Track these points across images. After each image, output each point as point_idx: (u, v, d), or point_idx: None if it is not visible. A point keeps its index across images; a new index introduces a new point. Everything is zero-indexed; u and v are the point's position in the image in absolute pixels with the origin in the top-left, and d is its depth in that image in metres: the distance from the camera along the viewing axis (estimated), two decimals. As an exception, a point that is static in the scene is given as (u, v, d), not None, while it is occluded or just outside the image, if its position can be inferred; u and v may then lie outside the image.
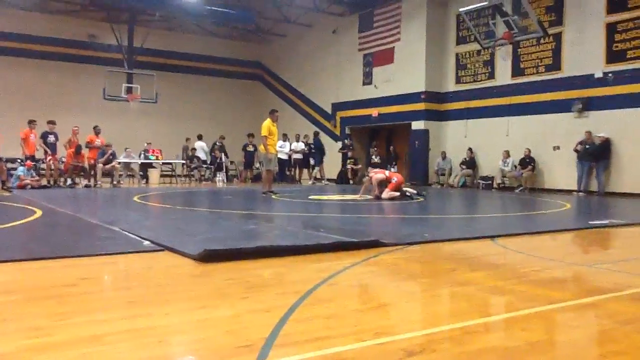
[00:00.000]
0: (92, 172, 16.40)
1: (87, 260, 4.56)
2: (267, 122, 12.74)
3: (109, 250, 4.92)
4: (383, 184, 11.79)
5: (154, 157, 19.64)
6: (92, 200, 12.38)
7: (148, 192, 14.20)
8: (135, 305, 3.22)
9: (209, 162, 20.60)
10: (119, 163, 17.51)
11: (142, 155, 19.54)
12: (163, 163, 20.09)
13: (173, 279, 4.05)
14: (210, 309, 3.13)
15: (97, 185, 16.24)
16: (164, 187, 17.43)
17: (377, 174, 12.08)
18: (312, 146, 20.69)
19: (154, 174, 19.38)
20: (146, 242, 5.31)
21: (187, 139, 21.44)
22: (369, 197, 11.88)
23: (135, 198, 11.72)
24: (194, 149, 20.74)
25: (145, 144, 19.98)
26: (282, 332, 2.64)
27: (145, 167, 19.45)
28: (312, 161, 20.62)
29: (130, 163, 18.96)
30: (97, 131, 16.94)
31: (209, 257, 4.40)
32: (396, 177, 11.99)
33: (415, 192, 12.29)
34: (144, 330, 2.70)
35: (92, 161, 16.37)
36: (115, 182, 16.66)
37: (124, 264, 4.56)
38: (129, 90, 22.16)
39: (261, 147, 13.18)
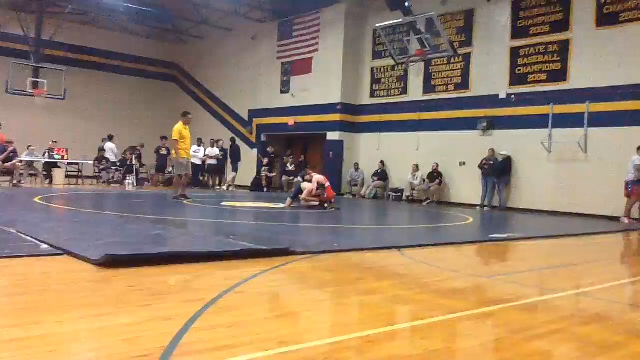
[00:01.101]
0: (-11, 170, 15.40)
1: (-25, 264, 4.25)
2: (179, 126, 12.27)
3: (2, 253, 4.61)
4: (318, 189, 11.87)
5: (59, 157, 18.72)
6: (-13, 199, 11.60)
7: (51, 193, 13.49)
8: (26, 313, 3.03)
9: (118, 164, 19.87)
10: (21, 161, 16.54)
11: (47, 154, 18.57)
12: (69, 163, 19.18)
13: (71, 285, 3.85)
14: (108, 317, 3.00)
15: (-5, 184, 15.26)
16: (69, 188, 16.62)
17: (314, 179, 12.02)
18: (228, 152, 20.39)
19: (58, 175, 18.44)
20: (44, 246, 5.03)
21: (104, 139, 20.59)
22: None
23: (36, 199, 11.09)
24: (103, 150, 19.94)
25: (51, 143, 19.01)
26: (182, 341, 2.57)
27: (49, 166, 18.49)
28: (230, 167, 20.34)
29: (33, 162, 17.96)
30: (-4, 127, 15.93)
31: (111, 262, 4.22)
32: (327, 194, 12.04)
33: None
34: (35, 339, 2.55)
35: (-10, 158, 15.37)
36: (15, 182, 15.70)
37: (19, 269, 4.29)
38: (35, 85, 21.01)
39: (173, 152, 12.82)
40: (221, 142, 20.73)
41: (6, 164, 15.59)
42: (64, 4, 21.58)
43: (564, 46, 14.68)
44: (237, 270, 4.57)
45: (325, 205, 11.82)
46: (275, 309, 3.63)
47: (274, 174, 20.88)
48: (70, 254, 4.68)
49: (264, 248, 5.43)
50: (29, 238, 5.44)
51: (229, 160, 20.32)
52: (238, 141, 21.53)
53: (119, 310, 3.17)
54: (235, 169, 20.20)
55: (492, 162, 15.49)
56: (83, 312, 3.12)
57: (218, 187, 20.01)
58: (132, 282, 3.91)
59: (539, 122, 14.88)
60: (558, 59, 14.79)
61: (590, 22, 14.23)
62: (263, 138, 22.55)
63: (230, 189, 19.91)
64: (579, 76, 14.37)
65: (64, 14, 21.97)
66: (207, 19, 22.88)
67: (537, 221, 12.62)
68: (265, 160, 20.67)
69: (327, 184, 12.08)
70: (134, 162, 19.55)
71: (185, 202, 11.97)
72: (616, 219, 12.97)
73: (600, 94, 13.89)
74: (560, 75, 14.73)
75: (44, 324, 2.80)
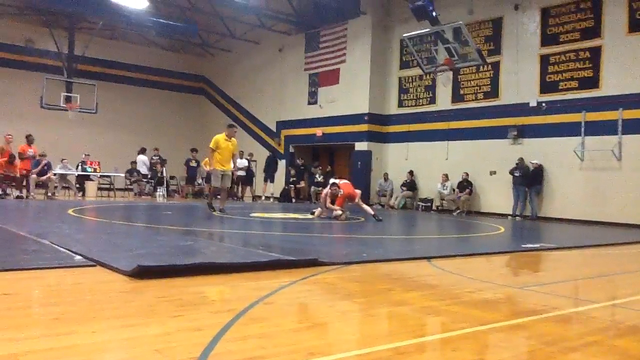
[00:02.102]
0: (24, 183, 15.74)
1: (10, 275, 4.33)
2: (219, 136, 11.94)
3: (36, 264, 4.70)
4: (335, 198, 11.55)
5: (91, 169, 19.08)
6: (22, 211, 11.87)
7: (84, 205, 13.74)
8: (59, 323, 3.08)
9: (149, 176, 20.16)
10: (55, 174, 16.91)
11: (80, 167, 18.94)
12: (101, 175, 19.53)
13: (102, 295, 3.90)
14: (139, 327, 3.03)
15: (30, 196, 15.59)
16: (101, 200, 16.91)
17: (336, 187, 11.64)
18: (268, 163, 20.76)
19: (91, 187, 18.81)
20: (77, 257, 5.11)
21: (139, 152, 20.94)
22: (323, 215, 11.75)
23: (69, 211, 11.31)
24: (134, 162, 20.27)
25: (83, 155, 19.39)
26: (213, 352, 2.58)
27: (82, 179, 18.87)
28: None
29: (66, 175, 18.33)
30: (29, 140, 16.32)
31: (142, 273, 4.27)
32: (343, 190, 11.61)
33: (372, 213, 11.91)
34: (67, 349, 2.58)
35: (25, 171, 15.72)
36: (49, 194, 16.05)
37: (52, 279, 4.36)
38: (68, 99, 21.51)
39: (205, 160, 12.79)
40: (250, 154, 20.93)
41: (41, 177, 15.94)
42: (94, 19, 22.09)
43: (595, 53, 14.46)
44: (266, 281, 4.58)
45: (342, 210, 11.42)
46: (305, 320, 3.62)
47: (302, 185, 20.92)
48: (102, 264, 4.75)
49: (293, 259, 5.43)
50: (62, 249, 5.54)
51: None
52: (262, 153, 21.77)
53: (150, 321, 3.20)
54: (271, 179, 20.52)
55: (520, 171, 15.27)
56: (114, 322, 3.16)
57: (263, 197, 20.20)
58: (163, 292, 3.94)
59: (570, 130, 14.66)
60: (589, 65, 14.56)
61: (622, 28, 14.00)
62: (291, 149, 22.65)
63: (263, 199, 20.12)
64: (611, 83, 14.13)
65: (95, 29, 22.49)
66: (234, 32, 23.18)
67: (569, 230, 12.38)
68: (293, 172, 20.76)
69: (342, 181, 11.94)
70: (164, 173, 19.81)
71: (215, 213, 12.00)
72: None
73: (633, 101, 13.63)
74: (592, 82, 14.50)
75: (75, 335, 2.83)
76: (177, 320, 3.22)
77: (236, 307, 3.48)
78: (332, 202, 11.61)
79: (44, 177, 16.06)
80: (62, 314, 3.30)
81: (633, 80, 13.71)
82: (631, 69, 13.78)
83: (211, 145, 11.90)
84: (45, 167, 16.20)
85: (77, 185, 18.64)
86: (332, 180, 12.19)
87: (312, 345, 2.83)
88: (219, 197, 12.79)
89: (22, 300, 3.81)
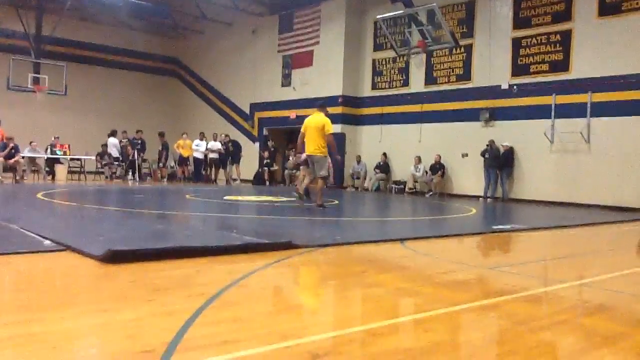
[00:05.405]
0: (-9, 166, 15.41)
1: (-22, 261, 4.25)
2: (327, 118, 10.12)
3: (5, 249, 4.60)
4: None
5: (61, 152, 18.73)
6: (-11, 196, 11.61)
7: (53, 189, 13.50)
8: (29, 309, 3.03)
9: (120, 159, 19.87)
10: (23, 157, 16.55)
11: (49, 150, 18.58)
12: (71, 159, 19.20)
13: (73, 280, 3.85)
14: (111, 313, 2.99)
15: (-3, 180, 15.28)
16: (72, 184, 16.64)
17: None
18: (231, 145, 20.41)
19: (61, 170, 18.47)
20: (47, 242, 5.02)
21: (109, 135, 20.55)
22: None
23: (38, 195, 11.09)
24: (105, 145, 19.93)
25: (53, 138, 19.02)
26: (185, 336, 2.56)
27: (51, 162, 18.52)
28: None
29: (35, 158, 17.98)
30: (-4, 123, 15.95)
31: (114, 257, 4.21)
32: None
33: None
34: (37, 335, 2.54)
35: (-9, 155, 15.38)
36: (18, 178, 15.73)
37: (21, 265, 4.28)
38: (36, 81, 21.01)
39: (322, 150, 9.95)
40: (222, 136, 20.75)
41: (8, 160, 15.60)
42: (63, -1, 21.56)
43: (566, 36, 14.61)
44: (240, 264, 4.57)
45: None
46: (278, 303, 3.62)
47: (276, 168, 20.87)
48: (72, 249, 4.67)
49: (266, 242, 5.42)
50: (31, 234, 5.43)
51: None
52: (240, 135, 21.56)
53: (122, 306, 3.16)
54: (237, 161, 20.28)
55: (491, 154, 15.44)
56: (86, 307, 3.12)
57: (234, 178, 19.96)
58: (135, 277, 3.90)
59: (541, 112, 14.85)
60: (560, 49, 14.72)
61: (592, 12, 14.15)
62: (264, 132, 22.52)
63: (237, 181, 19.99)
64: (581, 66, 14.32)
65: (64, 9, 21.93)
66: (206, 13, 22.83)
67: (539, 212, 12.60)
68: (266, 154, 20.66)
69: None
70: (135, 157, 19.54)
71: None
72: (617, 208, 12.95)
73: (603, 84, 13.84)
74: (562, 65, 14.67)
75: (46, 321, 2.79)
76: (149, 305, 3.19)
77: (209, 291, 3.46)
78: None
79: (12, 161, 15.72)
80: (33, 300, 3.25)
81: (602, 63, 13.91)
82: (600, 53, 13.97)
83: (332, 129, 10.07)
84: (13, 150, 15.85)
85: (47, 169, 18.30)
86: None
87: (286, 328, 2.83)
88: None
89: (-10, 287, 3.74)
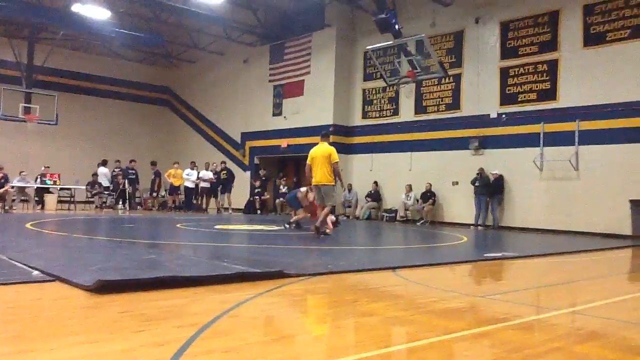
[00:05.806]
0: (-20, 196, 15.30)
1: (-34, 292, 4.19)
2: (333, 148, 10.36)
3: (-7, 280, 4.56)
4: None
5: (51, 182, 18.64)
6: (-23, 226, 11.49)
7: (43, 219, 13.39)
8: (17, 340, 2.98)
9: (111, 188, 19.78)
10: (12, 187, 16.46)
11: (39, 180, 18.49)
12: (61, 188, 19.09)
13: (63, 311, 3.80)
14: (101, 343, 2.96)
15: (-14, 210, 15.16)
16: (61, 213, 16.51)
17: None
18: (226, 173, 20.41)
19: (50, 200, 18.35)
20: (35, 272, 4.97)
21: (99, 165, 20.48)
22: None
23: (28, 225, 11.00)
24: (95, 175, 19.86)
25: (43, 168, 18.95)
26: (177, 366, 2.54)
27: (41, 192, 18.41)
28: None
29: (24, 187, 17.87)
30: (-14, 152, 15.89)
31: (104, 287, 4.18)
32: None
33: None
34: (25, 367, 2.51)
35: (-20, 184, 15.29)
36: (7, 207, 15.61)
37: (9, 296, 4.22)
38: (27, 110, 21.02)
39: (329, 179, 10.18)
40: (215, 164, 20.76)
41: (-3, 190, 15.52)
42: (55, 29, 21.68)
43: (553, 66, 14.87)
44: (231, 294, 4.53)
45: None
46: (270, 332, 3.60)
47: (267, 197, 20.85)
48: (61, 280, 4.62)
49: (258, 271, 5.39)
50: (20, 264, 5.38)
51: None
52: (230, 164, 21.56)
53: (113, 337, 3.13)
54: (229, 190, 20.23)
55: (481, 181, 15.53)
56: (76, 338, 3.08)
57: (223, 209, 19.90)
58: (125, 307, 3.86)
59: (530, 140, 15.01)
60: (547, 78, 14.96)
61: (578, 41, 14.44)
62: (256, 160, 22.57)
63: (229, 211, 19.92)
64: (569, 95, 14.54)
65: (56, 39, 22.08)
66: (198, 43, 23.06)
67: (530, 239, 12.63)
68: (258, 183, 20.65)
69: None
70: (126, 186, 19.47)
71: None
72: (607, 235, 13.01)
73: (590, 112, 14.04)
74: (549, 94, 14.89)
75: (34, 352, 2.75)
76: (140, 335, 3.15)
77: (200, 321, 3.43)
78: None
79: (1, 190, 15.63)
80: (21, 331, 3.20)
81: (589, 92, 14.13)
82: (587, 82, 14.20)
83: (337, 159, 10.33)
84: (2, 180, 15.77)
85: (36, 199, 18.19)
86: (302, 189, 12.14)
87: (277, 358, 2.81)
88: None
89: (-22, 318, 3.68)
